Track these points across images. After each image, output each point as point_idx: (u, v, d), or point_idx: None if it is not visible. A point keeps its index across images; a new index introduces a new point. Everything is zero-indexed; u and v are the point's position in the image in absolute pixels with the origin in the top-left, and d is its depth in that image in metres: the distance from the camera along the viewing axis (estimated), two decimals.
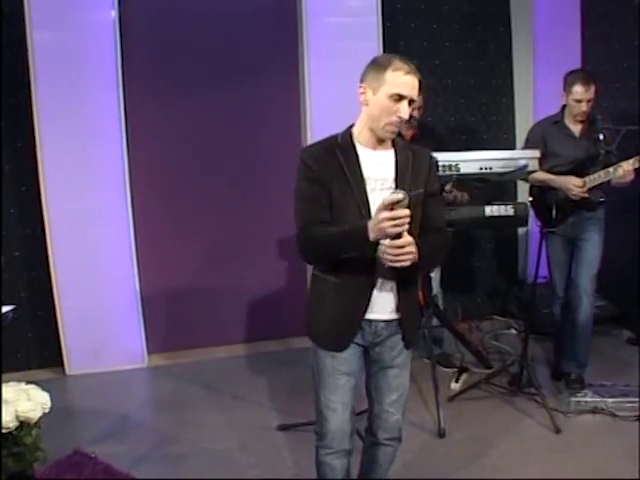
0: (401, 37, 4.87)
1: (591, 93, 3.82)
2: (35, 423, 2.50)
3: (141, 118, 4.43)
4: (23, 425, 2.44)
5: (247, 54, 4.63)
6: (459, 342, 4.32)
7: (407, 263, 2.10)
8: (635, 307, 4.79)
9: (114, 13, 4.18)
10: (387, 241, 2.08)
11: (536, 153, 3.60)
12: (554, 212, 3.93)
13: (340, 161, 2.24)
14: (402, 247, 2.07)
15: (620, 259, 4.48)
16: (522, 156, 3.57)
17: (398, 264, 2.10)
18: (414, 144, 3.96)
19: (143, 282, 4.52)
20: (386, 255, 2.09)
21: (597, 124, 3.82)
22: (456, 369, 4.28)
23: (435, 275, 4.25)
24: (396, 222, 2.01)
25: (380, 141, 2.28)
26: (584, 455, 3.34)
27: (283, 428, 3.66)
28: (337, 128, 4.53)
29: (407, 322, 2.36)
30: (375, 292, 2.29)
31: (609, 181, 3.77)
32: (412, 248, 2.09)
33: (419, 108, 4.11)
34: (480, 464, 3.29)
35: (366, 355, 2.44)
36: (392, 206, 1.99)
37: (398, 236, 2.06)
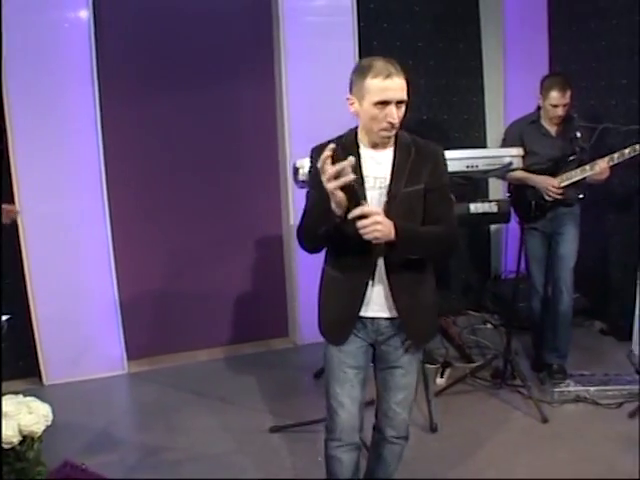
0: (374, 37, 4.89)
1: (567, 98, 3.95)
2: (39, 437, 2.44)
3: (117, 118, 4.33)
4: (26, 439, 2.38)
5: (222, 53, 4.58)
6: (443, 337, 4.39)
7: (374, 234, 2.09)
8: (605, 299, 4.98)
9: (88, 11, 4.07)
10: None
11: (520, 151, 3.71)
12: (533, 209, 4.06)
13: (342, 159, 2.22)
14: (364, 217, 2.07)
15: (589, 253, 4.63)
16: (507, 154, 3.67)
17: (369, 236, 2.09)
18: None
19: (121, 287, 4.42)
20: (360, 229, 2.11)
21: (574, 122, 3.96)
22: (439, 365, 4.34)
23: None
24: (328, 173, 2.01)
25: (382, 142, 2.29)
26: (573, 442, 3.46)
27: (276, 430, 3.65)
28: (314, 127, 4.58)
29: (410, 322, 2.36)
30: (373, 289, 2.31)
31: (585, 179, 3.92)
32: (376, 217, 2.09)
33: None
34: (474, 456, 3.36)
35: (374, 351, 2.47)
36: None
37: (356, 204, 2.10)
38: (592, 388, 3.90)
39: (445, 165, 2.39)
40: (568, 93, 3.94)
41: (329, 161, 2.03)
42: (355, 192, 2.15)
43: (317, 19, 4.54)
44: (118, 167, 4.36)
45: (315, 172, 2.21)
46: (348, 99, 2.25)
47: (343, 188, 2.06)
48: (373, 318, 2.36)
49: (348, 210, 2.11)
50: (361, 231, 2.10)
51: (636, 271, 4.48)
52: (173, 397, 4.15)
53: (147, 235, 4.60)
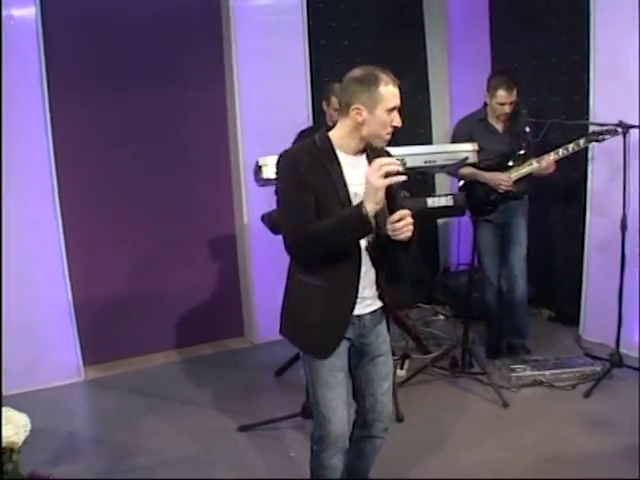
0: (323, 36, 4.95)
1: (513, 96, 4.12)
2: (18, 448, 2.38)
3: (67, 119, 4.22)
4: (5, 451, 2.32)
5: (173, 52, 4.54)
6: (401, 330, 4.47)
7: (409, 234, 2.19)
8: (551, 288, 5.18)
9: (35, 8, 3.94)
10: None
11: (475, 146, 3.85)
12: (484, 203, 4.20)
13: (325, 166, 2.26)
14: (399, 220, 2.16)
15: (535, 244, 4.80)
16: (463, 149, 3.79)
17: (402, 236, 2.18)
18: None
19: (75, 292, 4.31)
20: (390, 231, 2.19)
21: (520, 118, 4.14)
22: (399, 357, 4.41)
23: None
24: (384, 169, 2.09)
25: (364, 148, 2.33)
26: (534, 424, 3.59)
27: (244, 429, 3.63)
28: (266, 124, 4.57)
29: (389, 304, 2.45)
30: (361, 291, 2.33)
31: (531, 173, 4.09)
32: (409, 219, 2.18)
33: None
34: (443, 443, 3.45)
35: (352, 349, 2.45)
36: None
37: (393, 210, 2.19)
38: (547, 372, 4.06)
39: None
40: (514, 91, 4.11)
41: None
42: (395, 194, 2.23)
43: (267, 18, 4.55)
44: (69, 168, 4.25)
45: (302, 181, 2.23)
46: (355, 108, 2.24)
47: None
48: (360, 315, 2.37)
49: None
50: (397, 232, 2.17)
51: (580, 260, 4.70)
52: (135, 402, 4.07)
53: (100, 238, 4.50)
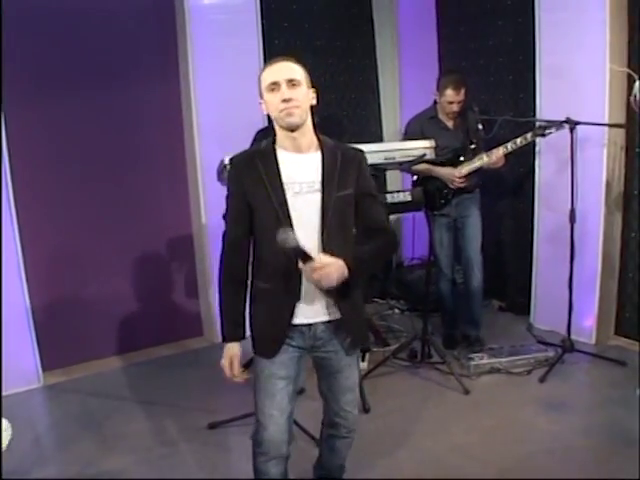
0: (276, 36, 4.99)
1: (462, 95, 4.28)
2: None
3: (20, 121, 4.13)
4: None
5: (126, 52, 4.49)
6: None
7: (332, 282, 2.14)
8: (502, 279, 5.37)
9: None
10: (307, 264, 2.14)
11: (432, 143, 3.96)
12: (438, 198, 4.34)
13: (259, 168, 2.26)
14: (320, 269, 2.12)
15: (485, 237, 4.96)
16: (421, 146, 3.90)
17: (325, 285, 2.15)
18: None
19: (32, 296, 4.22)
20: (311, 279, 2.16)
21: (469, 115, 4.31)
22: (360, 350, 4.49)
23: None
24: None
25: (303, 144, 2.28)
26: (494, 409, 3.74)
27: (213, 426, 3.64)
28: (223, 124, 4.58)
29: (349, 322, 2.35)
30: (306, 296, 2.28)
31: (483, 166, 4.24)
32: (330, 268, 2.12)
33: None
34: (408, 432, 3.53)
35: (311, 358, 2.45)
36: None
37: (308, 258, 2.12)
38: (503, 359, 4.22)
39: (367, 169, 2.42)
40: (462, 90, 4.27)
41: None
42: (302, 253, 2.13)
43: (222, 17, 4.56)
44: (24, 170, 4.17)
45: (236, 188, 2.29)
46: (260, 103, 2.30)
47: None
48: (310, 324, 2.32)
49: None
50: (317, 283, 2.15)
51: (529, 252, 4.89)
52: (98, 405, 4.02)
53: (57, 241, 4.41)
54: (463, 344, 4.55)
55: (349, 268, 2.17)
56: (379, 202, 2.46)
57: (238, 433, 3.55)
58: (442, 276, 4.58)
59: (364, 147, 3.64)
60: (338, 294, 2.28)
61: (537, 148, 4.67)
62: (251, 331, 2.40)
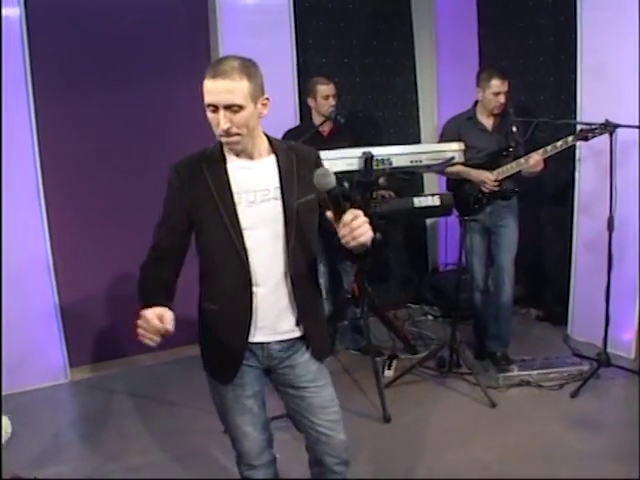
0: (310, 35, 4.93)
1: (506, 86, 4.11)
2: None
3: (52, 119, 4.19)
4: None
5: (158, 52, 4.51)
6: (389, 330, 4.45)
7: (369, 235, 1.83)
8: (540, 287, 5.18)
9: (19, 9, 3.92)
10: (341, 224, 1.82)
11: (461, 145, 3.83)
12: (471, 202, 4.19)
13: (206, 176, 2.07)
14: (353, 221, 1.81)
15: (524, 243, 4.79)
16: (449, 149, 3.77)
17: (363, 238, 1.81)
18: (333, 140, 4.13)
19: (61, 293, 4.29)
20: (346, 236, 1.82)
21: (510, 117, 4.12)
22: (385, 357, 4.41)
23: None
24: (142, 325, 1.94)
25: (253, 150, 2.09)
26: (520, 423, 3.59)
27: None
28: None
29: (313, 336, 2.20)
30: (260, 315, 2.11)
31: (520, 172, 4.07)
32: (363, 217, 1.83)
33: (334, 96, 4.21)
34: (430, 443, 3.44)
35: (271, 376, 2.28)
36: None
37: (341, 214, 1.81)
38: (534, 372, 4.06)
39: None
40: (507, 82, 4.10)
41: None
42: (339, 202, 1.83)
43: (254, 18, 4.53)
44: (55, 169, 4.23)
45: (175, 197, 2.11)
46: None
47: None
48: (262, 343, 2.15)
49: None
50: (355, 233, 1.80)
51: (568, 260, 4.70)
52: (120, 403, 4.07)
53: (88, 239, 4.45)
54: (489, 360, 4.35)
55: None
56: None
57: None
58: (474, 285, 4.42)
59: (390, 149, 3.66)
60: (301, 309, 2.14)
61: (577, 152, 4.47)
62: (203, 357, 2.25)
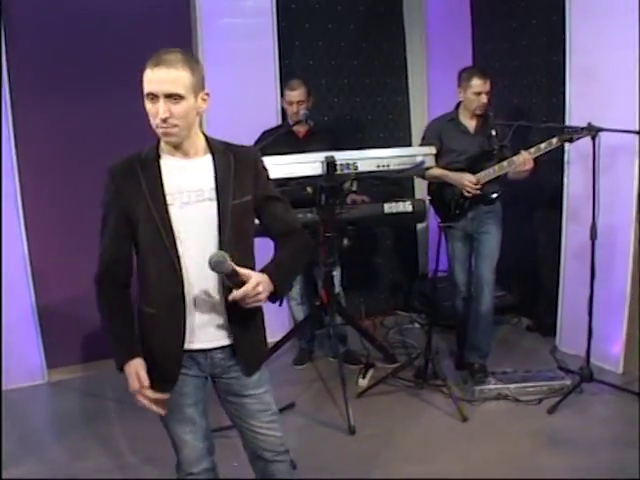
0: (296, 37, 4.85)
1: (488, 85, 3.95)
2: None
3: (30, 121, 4.21)
4: None
5: (140, 55, 4.44)
6: (364, 339, 4.35)
7: (260, 302, 1.98)
8: (532, 296, 5.00)
9: None
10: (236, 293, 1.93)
11: (432, 149, 3.72)
12: (452, 207, 4.06)
13: (139, 177, 2.05)
14: (253, 291, 1.93)
15: (517, 251, 4.65)
16: (418, 153, 3.66)
17: (253, 305, 1.97)
18: (308, 142, 4.06)
19: (39, 294, 4.31)
20: (243, 303, 1.95)
21: (489, 120, 3.96)
22: (362, 366, 4.31)
23: (336, 273, 4.28)
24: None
25: (189, 148, 2.07)
26: (492, 439, 3.46)
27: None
28: (234, 128, 4.46)
29: (243, 347, 2.15)
30: (196, 320, 2.08)
31: (506, 175, 3.93)
32: (259, 288, 1.94)
33: (299, 102, 4.10)
34: (391, 457, 3.34)
35: (214, 382, 2.26)
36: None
37: (240, 285, 1.92)
38: (513, 385, 3.91)
39: (266, 169, 2.21)
40: (488, 81, 3.94)
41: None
42: (235, 279, 1.93)
43: (236, 20, 4.48)
44: (33, 172, 4.26)
45: (112, 201, 2.09)
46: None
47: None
48: (204, 350, 2.13)
49: None
50: (247, 306, 1.96)
51: (556, 270, 4.52)
52: (95, 405, 4.05)
53: (66, 240, 4.43)
54: (466, 372, 4.18)
55: (272, 279, 2.00)
56: (283, 203, 2.23)
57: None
58: (457, 293, 4.28)
59: (356, 154, 3.56)
60: (232, 317, 2.10)
61: (566, 157, 4.30)
62: (145, 362, 2.12)
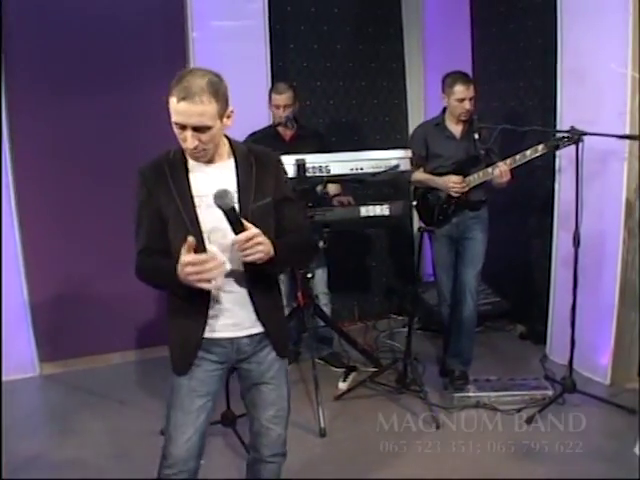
0: (291, 40, 4.87)
1: (472, 91, 3.90)
2: None
3: (25, 122, 4.33)
4: None
5: (134, 57, 4.54)
6: (346, 342, 4.33)
7: (258, 255, 2.01)
8: (526, 302, 4.90)
9: None
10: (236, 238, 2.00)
11: (408, 153, 3.69)
12: (436, 213, 4.01)
13: (168, 179, 2.16)
14: (250, 239, 1.99)
15: (512, 257, 4.56)
16: (393, 156, 3.62)
17: (251, 258, 2.02)
18: (294, 145, 4.06)
19: (31, 289, 4.43)
20: (240, 249, 2.01)
21: (474, 124, 3.90)
22: (345, 369, 4.29)
23: (322, 275, 4.27)
24: (196, 270, 1.96)
25: (214, 154, 2.17)
26: (463, 448, 3.38)
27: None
28: (226, 130, 4.49)
29: (273, 333, 2.28)
30: (227, 309, 2.19)
31: (491, 181, 3.86)
32: (259, 239, 2.01)
33: (285, 106, 4.12)
34: (359, 462, 3.32)
35: (236, 371, 2.38)
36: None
37: (241, 226, 1.98)
38: (493, 393, 3.85)
39: (285, 172, 2.33)
40: (472, 86, 3.89)
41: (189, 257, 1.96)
42: (233, 221, 2.00)
43: (228, 23, 4.51)
44: (27, 170, 4.37)
45: (146, 199, 2.18)
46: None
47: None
48: (232, 338, 2.24)
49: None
50: (244, 253, 2.01)
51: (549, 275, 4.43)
52: (78, 399, 4.14)
53: (59, 236, 4.54)
54: (447, 379, 4.13)
55: (275, 249, 2.07)
56: (298, 205, 2.36)
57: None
58: (442, 300, 4.24)
59: (330, 157, 3.56)
60: (262, 307, 2.23)
61: (557, 162, 4.20)
62: (169, 346, 2.30)
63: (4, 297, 4.32)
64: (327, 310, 4.35)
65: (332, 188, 4.18)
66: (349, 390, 4.04)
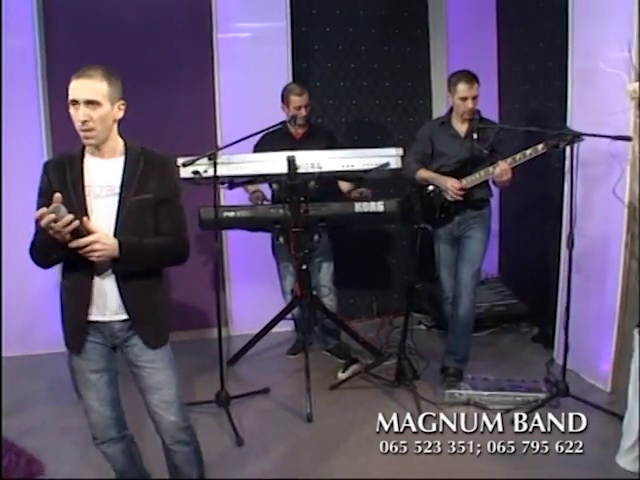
0: (316, 41, 5.02)
1: (475, 90, 3.92)
2: None
3: (64, 114, 4.63)
4: None
5: (162, 57, 4.81)
6: (348, 335, 4.45)
7: (98, 254, 2.20)
8: (542, 305, 4.82)
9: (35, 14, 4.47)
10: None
11: (399, 151, 3.75)
12: (438, 211, 4.06)
13: (66, 169, 2.36)
14: (86, 246, 2.18)
15: (530, 258, 4.50)
16: (383, 154, 3.71)
17: (92, 258, 2.21)
18: (303, 142, 4.21)
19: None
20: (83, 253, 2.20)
21: (474, 124, 3.92)
22: (347, 360, 4.40)
23: (327, 269, 4.40)
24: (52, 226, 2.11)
25: (105, 150, 2.37)
26: (444, 444, 3.29)
27: None
28: (247, 131, 4.71)
29: (139, 321, 2.40)
30: (97, 292, 2.36)
31: (494, 181, 3.88)
32: (97, 245, 2.19)
33: (306, 106, 4.24)
34: (338, 448, 3.43)
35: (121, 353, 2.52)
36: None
37: (81, 235, 2.17)
38: (485, 392, 3.84)
39: (173, 175, 2.52)
40: (475, 85, 3.92)
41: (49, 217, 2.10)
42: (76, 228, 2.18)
43: (252, 25, 4.75)
44: None
45: (44, 191, 2.33)
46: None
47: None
48: (106, 322, 2.40)
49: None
50: (85, 255, 2.21)
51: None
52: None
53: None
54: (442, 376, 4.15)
55: (121, 249, 2.25)
56: (178, 208, 2.47)
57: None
58: (444, 298, 4.28)
59: (322, 154, 3.69)
60: (128, 294, 2.37)
61: (566, 163, 4.11)
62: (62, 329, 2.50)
63: (35, 274, 4.65)
64: (332, 304, 4.47)
65: (344, 186, 4.31)
66: (345, 381, 4.15)
